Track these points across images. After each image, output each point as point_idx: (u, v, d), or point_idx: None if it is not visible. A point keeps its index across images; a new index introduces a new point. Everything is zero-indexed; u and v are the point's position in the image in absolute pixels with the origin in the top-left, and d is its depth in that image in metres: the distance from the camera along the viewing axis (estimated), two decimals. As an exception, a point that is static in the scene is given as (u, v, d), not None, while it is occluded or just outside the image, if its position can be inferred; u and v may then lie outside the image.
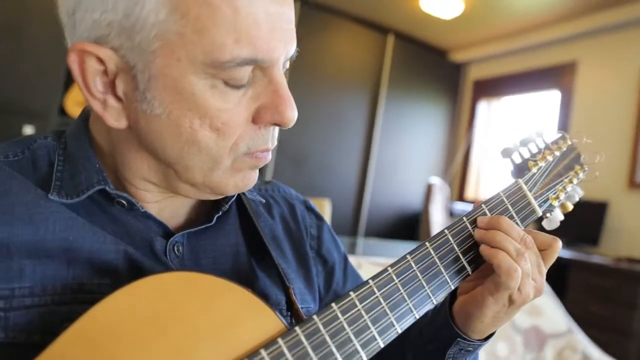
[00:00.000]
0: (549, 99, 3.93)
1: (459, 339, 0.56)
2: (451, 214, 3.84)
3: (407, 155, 4.38)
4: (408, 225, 4.32)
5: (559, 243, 0.56)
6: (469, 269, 0.53)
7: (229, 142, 0.46)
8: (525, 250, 0.52)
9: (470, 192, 4.39)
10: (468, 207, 3.94)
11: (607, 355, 1.88)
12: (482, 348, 0.58)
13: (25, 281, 0.43)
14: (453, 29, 4.09)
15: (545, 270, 0.55)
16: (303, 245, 0.66)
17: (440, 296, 0.51)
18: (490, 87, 4.38)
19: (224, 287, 0.43)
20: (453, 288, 0.52)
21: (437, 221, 3.43)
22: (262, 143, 0.48)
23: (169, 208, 0.54)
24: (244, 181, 0.50)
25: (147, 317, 0.40)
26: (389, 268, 0.49)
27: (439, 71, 4.53)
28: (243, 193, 0.61)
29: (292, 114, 0.47)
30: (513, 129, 4.19)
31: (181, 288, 0.42)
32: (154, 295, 0.41)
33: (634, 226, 3.11)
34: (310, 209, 0.70)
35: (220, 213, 0.55)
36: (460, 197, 4.38)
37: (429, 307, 0.50)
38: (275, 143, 0.51)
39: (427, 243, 0.52)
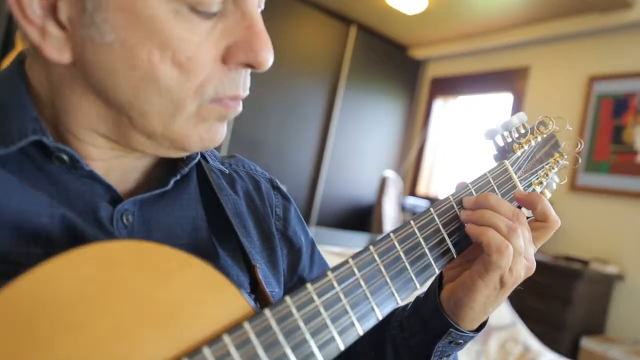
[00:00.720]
0: (501, 101, 4.06)
1: (451, 329, 0.51)
2: (403, 208, 3.89)
3: (362, 147, 4.38)
4: (360, 217, 4.34)
5: (557, 221, 0.53)
6: (453, 251, 0.49)
7: (193, 83, 0.39)
8: (517, 226, 0.48)
9: (422, 188, 4.47)
10: (420, 202, 4.02)
11: (545, 347, 1.96)
12: (466, 345, 0.54)
13: None
14: (415, 25, 4.11)
15: (536, 248, 0.52)
16: (268, 224, 0.60)
17: (423, 280, 0.47)
18: (447, 86, 4.46)
19: (182, 260, 0.36)
20: (437, 272, 0.48)
21: (390, 214, 3.45)
22: (233, 88, 0.42)
23: (118, 170, 0.46)
24: (210, 134, 0.43)
25: (87, 292, 0.33)
26: (370, 247, 0.44)
27: (398, 66, 4.56)
28: (205, 159, 0.54)
29: (267, 54, 0.41)
30: (466, 128, 4.30)
31: (130, 260, 0.35)
32: (96, 267, 0.33)
33: (573, 227, 3.28)
34: (276, 188, 0.64)
35: (179, 177, 0.47)
36: (412, 192, 4.45)
37: (411, 292, 0.46)
38: (247, 92, 0.44)
39: (411, 222, 0.47)
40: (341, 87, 4.20)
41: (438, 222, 0.49)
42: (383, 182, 3.51)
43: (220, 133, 0.44)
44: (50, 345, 0.31)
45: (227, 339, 0.35)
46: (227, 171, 0.57)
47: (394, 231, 0.46)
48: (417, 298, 0.58)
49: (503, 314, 1.99)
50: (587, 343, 2.74)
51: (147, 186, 0.48)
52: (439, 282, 0.54)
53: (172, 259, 0.36)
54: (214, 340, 0.35)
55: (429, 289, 0.56)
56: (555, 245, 3.31)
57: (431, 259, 0.47)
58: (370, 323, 0.42)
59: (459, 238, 0.50)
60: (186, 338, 0.35)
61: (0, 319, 0.30)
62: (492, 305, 0.51)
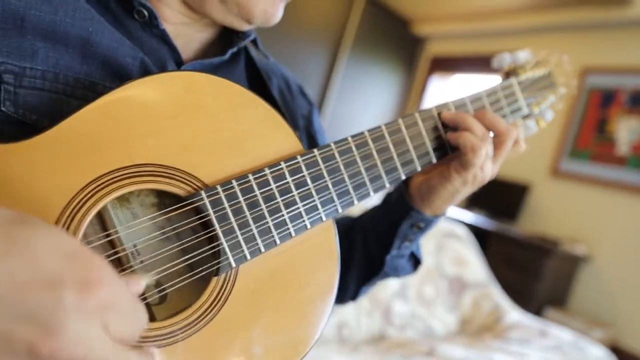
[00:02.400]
0: (496, 82, 4.14)
1: (412, 212, 0.58)
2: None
3: (359, 116, 4.44)
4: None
5: (513, 132, 0.57)
6: (432, 155, 0.55)
7: None
8: (488, 136, 0.55)
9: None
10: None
11: (514, 304, 2.10)
12: (430, 230, 0.61)
13: (37, 63, 0.41)
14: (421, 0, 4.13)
15: (501, 158, 0.57)
16: (296, 120, 0.67)
17: (406, 172, 0.52)
18: (446, 64, 4.52)
19: (252, 100, 0.43)
20: (419, 170, 0.54)
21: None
22: None
23: (182, 37, 0.52)
24: (273, 8, 0.50)
25: (173, 106, 0.40)
26: (366, 132, 0.49)
27: (400, 40, 4.59)
28: (256, 46, 0.60)
29: None
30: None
31: (211, 89, 0.42)
32: (183, 89, 0.40)
33: (550, 209, 3.44)
34: (303, 92, 0.71)
35: (236, 49, 0.54)
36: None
37: (397, 177, 0.51)
38: None
39: (400, 119, 0.53)
40: (343, 55, 4.22)
41: (421, 126, 0.54)
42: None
43: (280, 11, 0.51)
44: (140, 140, 0.38)
45: (283, 165, 0.43)
46: (270, 59, 0.64)
47: (386, 125, 0.51)
48: (388, 193, 0.64)
49: (478, 274, 2.11)
50: (550, 313, 2.93)
51: (206, 55, 0.55)
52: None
53: (245, 96, 0.43)
54: (273, 164, 0.42)
55: (398, 184, 0.63)
56: (532, 225, 3.47)
57: (414, 156, 0.53)
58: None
59: (438, 144, 0.55)
60: (250, 160, 0.42)
61: (105, 114, 0.37)
62: (458, 197, 0.58)
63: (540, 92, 0.71)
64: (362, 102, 4.46)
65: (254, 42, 0.60)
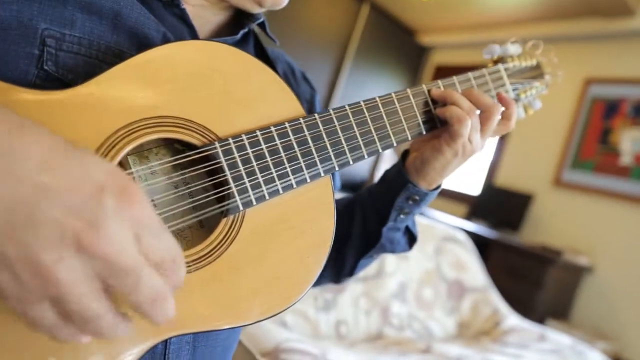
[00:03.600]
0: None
1: (409, 184, 0.63)
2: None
3: (362, 126, 4.51)
4: (353, 191, 4.47)
5: (498, 107, 0.62)
6: (422, 127, 0.60)
7: None
8: (474, 110, 0.60)
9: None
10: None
11: (514, 311, 2.13)
12: (425, 204, 0.65)
13: (75, 31, 0.47)
14: (426, 10, 4.23)
15: (487, 132, 0.62)
16: (300, 104, 0.73)
17: (398, 140, 0.57)
18: (450, 74, 4.58)
19: (262, 67, 0.49)
20: (410, 139, 0.59)
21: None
22: None
23: (198, 19, 0.59)
24: None
25: (192, 68, 0.45)
26: (361, 102, 0.55)
27: (405, 50, 4.68)
28: (265, 29, 0.66)
29: None
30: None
31: (227, 56, 0.47)
32: (203, 54, 0.46)
33: (553, 219, 3.46)
34: (306, 78, 0.77)
35: (247, 29, 0.60)
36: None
37: (389, 145, 0.56)
38: None
39: (392, 93, 0.58)
40: (347, 62, 4.31)
41: (412, 100, 0.59)
42: (377, 158, 3.64)
43: None
44: (164, 96, 0.44)
45: (287, 124, 0.48)
46: (277, 42, 0.70)
47: (380, 97, 0.57)
48: (387, 170, 0.70)
49: (478, 278, 2.14)
50: (551, 324, 2.94)
51: (219, 36, 0.61)
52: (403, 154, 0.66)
53: (255, 64, 0.49)
54: (278, 124, 0.48)
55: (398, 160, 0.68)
56: (533, 235, 3.49)
57: (405, 126, 0.58)
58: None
59: (427, 119, 0.60)
60: (258, 119, 0.48)
61: (134, 71, 0.43)
62: (451, 169, 0.62)
63: (527, 81, 0.77)
64: (367, 112, 4.52)
65: (263, 26, 0.66)
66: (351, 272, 0.72)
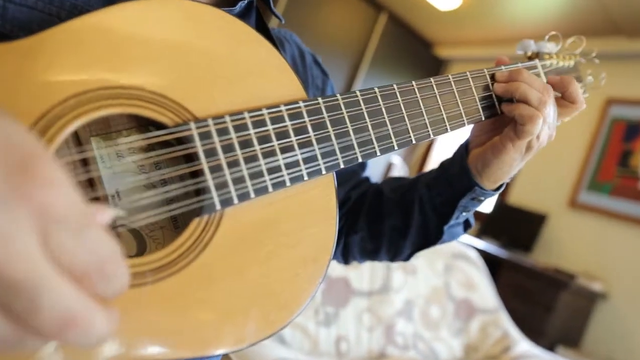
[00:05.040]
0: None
1: (476, 187, 0.57)
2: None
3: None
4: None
5: (582, 103, 0.59)
6: (482, 114, 0.54)
7: None
8: (547, 99, 0.53)
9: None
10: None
11: (524, 336, 2.00)
12: (486, 199, 0.60)
13: None
14: (444, 23, 4.15)
15: (559, 122, 0.57)
16: (306, 90, 0.64)
17: (452, 127, 0.51)
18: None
19: (256, 38, 0.40)
20: (466, 125, 0.52)
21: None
22: None
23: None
24: None
25: (171, 33, 0.37)
26: (413, 82, 0.48)
27: (421, 62, 4.59)
28: (269, 4, 0.57)
29: None
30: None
31: (212, 21, 0.39)
32: (182, 16, 0.37)
33: (567, 241, 3.33)
34: (318, 63, 0.69)
35: (246, 1, 0.51)
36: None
37: (443, 133, 0.50)
38: None
39: (449, 75, 0.51)
40: (362, 72, 4.23)
41: (472, 84, 0.53)
42: (388, 168, 3.55)
43: None
44: (131, 63, 0.35)
45: (283, 108, 0.39)
46: (283, 20, 0.61)
47: (435, 78, 0.50)
48: (443, 163, 0.63)
49: (488, 299, 2.03)
50: (562, 352, 2.79)
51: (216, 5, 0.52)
52: (465, 149, 0.59)
53: (249, 34, 0.40)
54: (272, 106, 0.39)
55: (455, 154, 0.61)
56: (546, 256, 3.36)
57: (462, 110, 0.51)
58: (404, 144, 0.46)
59: (487, 105, 0.54)
60: (250, 99, 0.39)
61: (96, 29, 0.35)
62: (516, 166, 0.56)
63: (567, 82, 0.67)
64: (379, 122, 4.44)
65: (267, 1, 0.57)
66: (407, 259, 0.68)
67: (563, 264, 3.21)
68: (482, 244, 3.36)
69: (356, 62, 4.23)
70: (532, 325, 2.82)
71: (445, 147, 4.55)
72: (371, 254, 0.68)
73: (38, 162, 0.21)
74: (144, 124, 0.41)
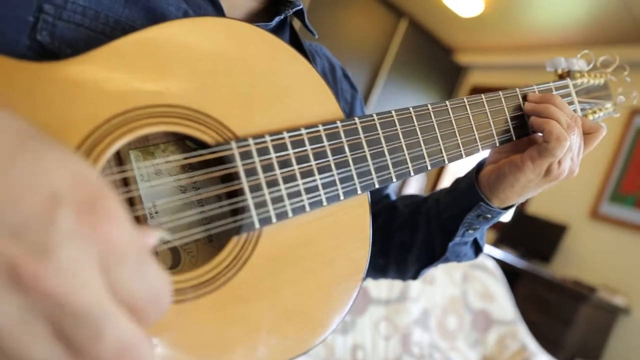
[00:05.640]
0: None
1: (481, 202, 0.56)
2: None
3: (391, 141, 4.40)
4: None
5: (604, 130, 0.57)
6: (513, 133, 0.53)
7: None
8: (575, 126, 0.52)
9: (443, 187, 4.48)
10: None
11: (542, 349, 1.97)
12: (496, 220, 0.59)
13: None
14: (466, 29, 4.11)
15: (582, 154, 0.55)
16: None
17: (484, 146, 0.51)
18: (486, 96, 4.45)
19: (295, 57, 0.41)
20: (497, 144, 0.52)
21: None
22: None
23: (230, 1, 0.51)
24: None
25: (214, 52, 0.37)
26: (447, 102, 0.48)
27: (441, 68, 4.56)
28: (303, 19, 0.58)
29: None
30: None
31: (253, 40, 0.39)
32: (224, 35, 0.38)
33: (587, 253, 3.26)
34: (347, 77, 0.69)
35: (283, 16, 0.52)
36: (433, 190, 4.46)
37: (474, 153, 0.50)
38: None
39: (482, 95, 0.51)
40: (382, 78, 4.22)
41: (504, 104, 0.52)
42: (404, 181, 3.52)
43: None
44: (175, 81, 0.36)
45: (321, 128, 0.39)
46: (316, 35, 0.62)
47: (468, 97, 0.50)
48: (456, 179, 0.62)
49: (506, 311, 2.00)
50: (581, 366, 2.74)
51: (252, 21, 0.53)
52: (480, 167, 0.59)
53: (288, 52, 0.40)
54: (310, 126, 0.39)
55: (468, 171, 0.60)
56: (565, 268, 3.30)
57: (494, 130, 0.51)
58: (437, 164, 0.46)
59: (518, 124, 0.54)
60: (288, 117, 0.39)
61: (142, 48, 0.35)
62: (530, 191, 0.55)
63: (597, 101, 0.66)
64: (397, 127, 4.42)
65: (301, 16, 0.58)
66: (415, 277, 0.66)
67: (583, 277, 3.15)
68: (499, 253, 3.31)
69: (376, 68, 4.23)
70: (550, 338, 2.77)
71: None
72: (381, 271, 0.67)
73: (103, 198, 0.22)
74: (181, 137, 0.42)
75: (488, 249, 3.35)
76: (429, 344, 1.76)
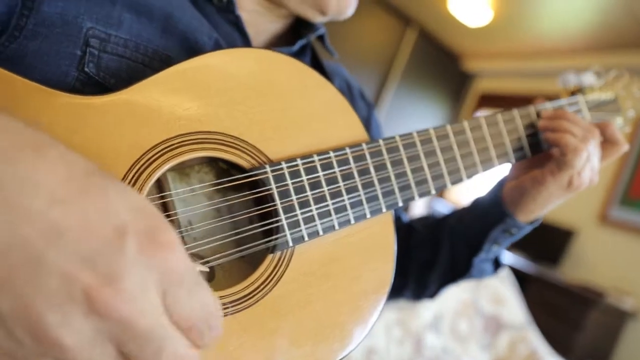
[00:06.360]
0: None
1: (507, 218, 0.57)
2: (431, 209, 3.92)
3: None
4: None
5: (626, 147, 0.59)
6: (528, 150, 0.55)
7: None
8: (590, 137, 0.54)
9: (452, 194, 4.48)
10: (448, 206, 4.03)
11: (553, 353, 1.98)
12: (520, 236, 0.60)
13: (121, 32, 0.42)
14: (473, 36, 4.12)
15: (601, 163, 0.57)
16: None
17: (501, 161, 0.53)
18: (494, 102, 4.45)
19: (323, 83, 0.43)
20: (514, 162, 0.54)
21: (417, 213, 3.49)
22: None
23: (255, 26, 0.54)
24: (347, 0, 0.50)
25: (248, 80, 0.40)
26: (464, 122, 0.50)
27: (449, 75, 4.57)
28: (324, 41, 0.61)
29: None
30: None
31: (284, 68, 0.42)
32: (257, 65, 0.41)
33: (596, 257, 3.25)
34: (363, 95, 0.71)
35: (305, 41, 0.55)
36: (441, 195, 4.47)
37: (491, 164, 0.52)
38: None
39: (498, 114, 0.53)
40: (391, 85, 4.24)
41: (519, 122, 0.54)
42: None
43: (353, 3, 0.51)
44: (213, 109, 0.39)
45: (348, 150, 0.42)
46: (336, 55, 0.64)
47: (485, 117, 0.52)
48: (476, 198, 0.64)
49: (517, 315, 2.01)
50: (591, 371, 2.73)
51: (275, 46, 0.56)
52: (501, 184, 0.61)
53: (316, 79, 0.43)
54: (338, 149, 0.42)
55: (490, 189, 0.62)
56: (573, 272, 3.29)
57: (509, 148, 0.53)
58: (457, 181, 0.48)
59: (533, 141, 0.56)
60: (316, 141, 0.42)
61: (181, 80, 0.38)
62: (553, 202, 0.56)
63: (606, 116, 0.68)
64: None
65: (322, 39, 0.60)
66: (433, 296, 0.68)
67: (592, 280, 3.14)
68: (509, 256, 3.31)
69: (384, 76, 4.25)
70: (560, 342, 2.77)
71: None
72: (396, 291, 0.68)
73: (161, 229, 0.25)
74: (215, 160, 0.44)
75: (497, 253, 3.34)
76: (441, 348, 1.78)
